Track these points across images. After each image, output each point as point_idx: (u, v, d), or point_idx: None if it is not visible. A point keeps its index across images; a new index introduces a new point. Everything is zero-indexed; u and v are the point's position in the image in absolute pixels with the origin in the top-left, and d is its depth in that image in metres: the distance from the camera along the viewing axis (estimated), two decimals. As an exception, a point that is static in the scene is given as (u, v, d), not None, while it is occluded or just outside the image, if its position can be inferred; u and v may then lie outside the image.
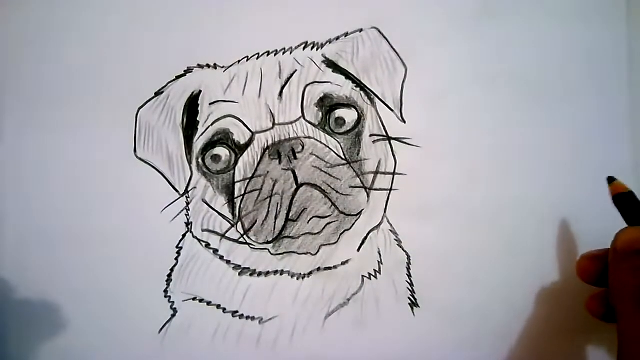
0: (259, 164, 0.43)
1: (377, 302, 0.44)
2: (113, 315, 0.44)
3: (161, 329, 0.44)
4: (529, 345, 0.43)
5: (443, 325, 0.44)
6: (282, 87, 0.44)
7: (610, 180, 0.39)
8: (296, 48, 0.45)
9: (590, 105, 0.45)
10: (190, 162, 0.44)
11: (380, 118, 0.45)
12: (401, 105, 0.44)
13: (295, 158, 0.43)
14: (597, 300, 0.40)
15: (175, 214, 0.44)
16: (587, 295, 0.41)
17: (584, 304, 0.41)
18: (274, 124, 0.43)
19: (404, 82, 0.45)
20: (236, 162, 0.43)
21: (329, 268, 0.44)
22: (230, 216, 0.44)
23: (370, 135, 0.44)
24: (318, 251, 0.44)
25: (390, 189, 0.44)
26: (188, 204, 0.44)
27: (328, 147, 0.43)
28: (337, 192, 0.43)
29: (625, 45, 0.45)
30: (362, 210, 0.44)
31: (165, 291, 0.44)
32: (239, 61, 0.44)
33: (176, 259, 0.44)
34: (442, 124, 0.45)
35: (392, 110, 0.44)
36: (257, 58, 0.44)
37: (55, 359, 0.44)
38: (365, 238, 0.44)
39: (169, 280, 0.44)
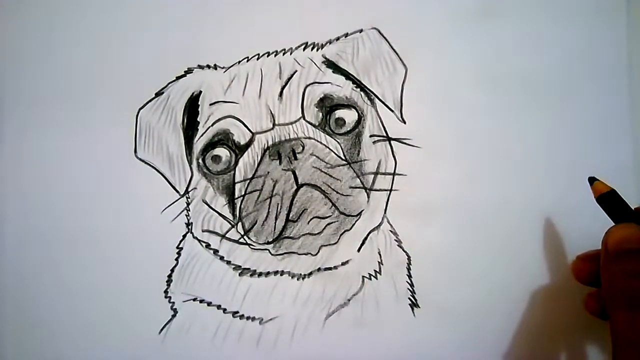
0: (259, 164, 0.43)
1: (378, 303, 0.44)
2: (113, 315, 0.44)
3: (161, 329, 0.44)
4: (529, 345, 0.44)
5: (443, 325, 0.44)
6: (282, 88, 0.44)
7: (592, 181, 0.39)
8: (296, 48, 0.45)
9: (590, 105, 0.45)
10: (190, 163, 0.44)
11: (380, 118, 0.45)
12: (401, 105, 0.44)
13: (296, 158, 0.43)
14: (595, 298, 0.40)
15: (175, 215, 0.44)
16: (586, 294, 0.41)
17: (583, 303, 0.41)
18: (274, 125, 0.43)
19: (404, 82, 0.45)
20: (236, 163, 0.43)
21: (329, 268, 0.44)
22: (230, 217, 0.44)
23: (371, 136, 0.44)
24: (318, 251, 0.44)
25: (391, 190, 0.44)
26: (188, 204, 0.44)
27: (328, 147, 0.43)
28: (337, 192, 0.43)
29: (625, 45, 0.45)
30: (362, 210, 0.44)
31: (166, 292, 0.44)
32: (239, 62, 0.44)
33: (176, 259, 0.44)
34: (442, 124, 0.45)
35: (392, 110, 0.44)
36: (257, 58, 0.44)
37: (55, 359, 0.44)
38: (366, 238, 0.44)
39: (169, 280, 0.44)
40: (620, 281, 0.36)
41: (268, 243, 0.44)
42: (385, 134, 0.44)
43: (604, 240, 0.37)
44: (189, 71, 0.45)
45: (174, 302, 0.44)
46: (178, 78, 0.45)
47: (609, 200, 0.38)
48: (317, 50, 0.45)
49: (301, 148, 0.43)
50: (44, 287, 0.44)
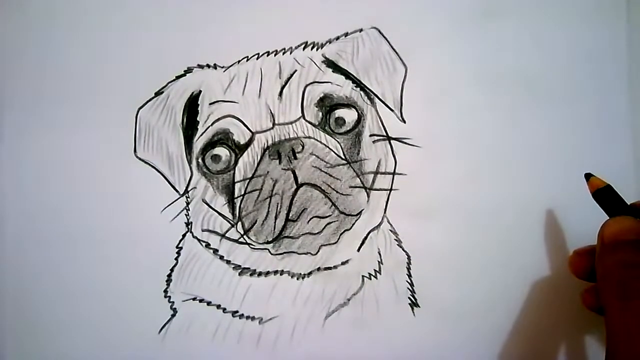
0: (259, 164, 0.43)
1: (377, 302, 0.44)
2: (113, 315, 0.44)
3: (161, 329, 0.44)
4: (528, 343, 0.43)
5: (443, 325, 0.44)
6: (282, 87, 0.44)
7: (587, 177, 0.39)
8: (296, 48, 0.45)
9: (590, 105, 0.45)
10: (190, 162, 0.44)
11: (380, 118, 0.45)
12: (401, 105, 0.44)
13: (295, 158, 0.43)
14: (592, 293, 0.40)
15: (175, 214, 0.44)
16: (586, 293, 0.41)
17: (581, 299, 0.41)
18: (274, 124, 0.43)
19: (404, 82, 0.45)
20: (236, 162, 0.43)
21: (329, 268, 0.44)
22: (230, 216, 0.44)
23: (370, 135, 0.44)
24: (318, 251, 0.44)
25: (390, 189, 0.44)
26: (188, 204, 0.44)
27: (328, 147, 0.43)
28: (337, 192, 0.43)
29: (625, 45, 0.45)
30: (362, 210, 0.44)
31: (165, 291, 0.44)
32: (239, 61, 0.45)
33: (176, 259, 0.44)
34: (442, 124, 0.45)
35: (392, 110, 0.44)
36: (257, 58, 0.44)
37: (55, 359, 0.44)
38: (365, 238, 0.44)
39: (168, 280, 0.44)
40: (614, 271, 0.36)
41: (268, 242, 0.44)
42: (385, 134, 0.44)
43: (599, 233, 0.37)
44: (188, 71, 0.45)
45: (173, 302, 0.44)
46: (178, 77, 0.45)
47: (605, 195, 0.39)
48: (317, 49, 0.45)
49: (301, 147, 0.43)
50: (44, 287, 0.44)
